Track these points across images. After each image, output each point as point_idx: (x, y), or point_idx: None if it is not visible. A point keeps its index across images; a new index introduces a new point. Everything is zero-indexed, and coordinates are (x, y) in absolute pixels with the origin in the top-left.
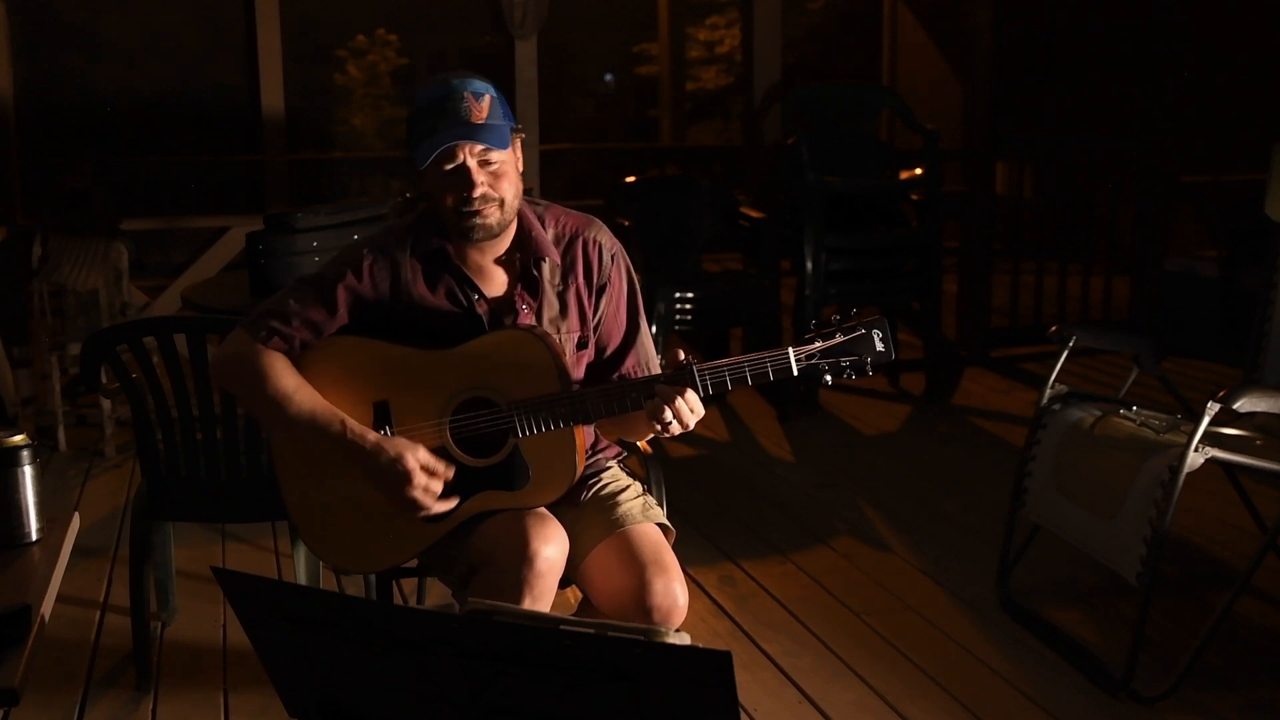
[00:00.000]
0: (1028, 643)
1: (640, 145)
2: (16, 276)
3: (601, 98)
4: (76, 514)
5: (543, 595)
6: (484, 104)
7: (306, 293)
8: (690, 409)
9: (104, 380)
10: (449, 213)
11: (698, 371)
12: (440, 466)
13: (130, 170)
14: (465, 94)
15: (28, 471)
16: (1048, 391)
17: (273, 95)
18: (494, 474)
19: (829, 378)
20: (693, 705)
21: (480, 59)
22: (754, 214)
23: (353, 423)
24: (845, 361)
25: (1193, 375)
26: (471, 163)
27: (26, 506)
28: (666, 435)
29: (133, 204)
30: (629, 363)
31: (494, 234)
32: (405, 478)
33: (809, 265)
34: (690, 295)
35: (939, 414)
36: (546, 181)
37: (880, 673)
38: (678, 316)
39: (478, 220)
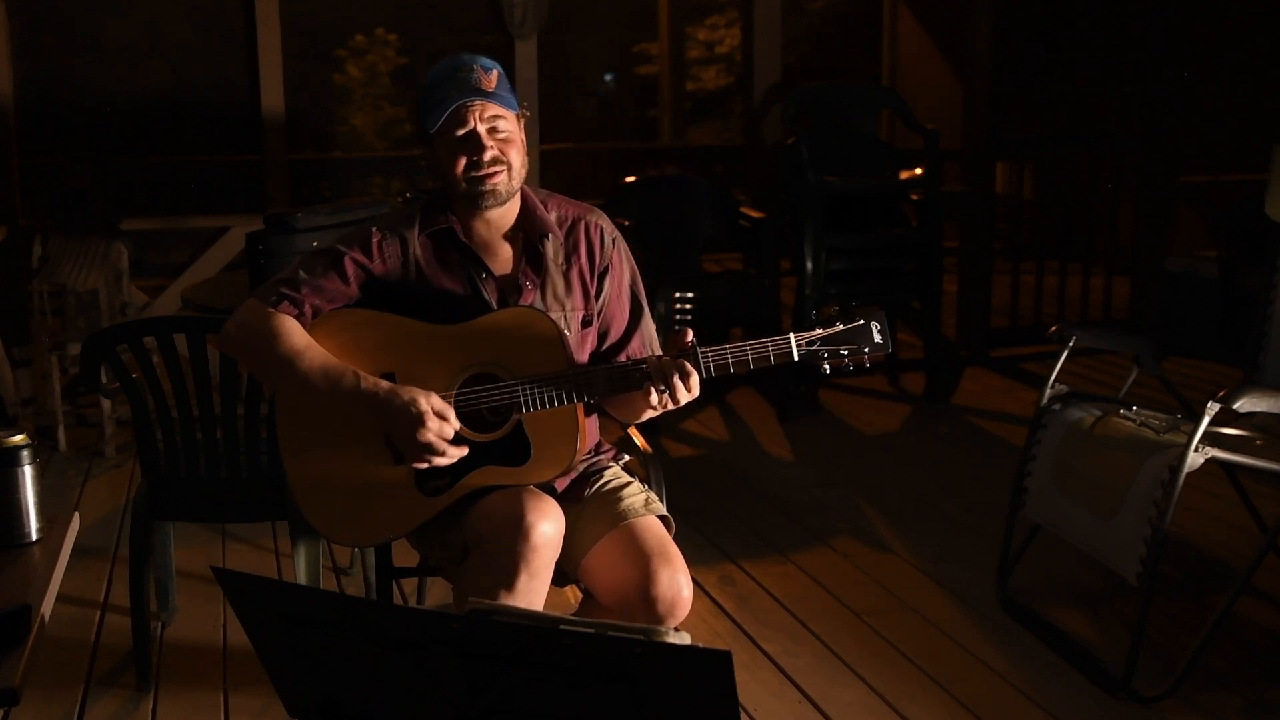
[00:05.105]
0: (1028, 643)
1: (640, 145)
2: (16, 276)
3: (601, 98)
4: (76, 514)
5: (539, 571)
6: (493, 75)
7: (317, 263)
8: (687, 387)
9: (104, 380)
10: (458, 179)
11: (701, 353)
12: (451, 412)
13: (130, 170)
14: (475, 66)
15: (28, 471)
16: (1048, 391)
17: (273, 95)
18: (496, 449)
19: (827, 366)
20: (693, 705)
21: None
22: (754, 214)
23: (364, 374)
24: (845, 351)
25: (1193, 375)
26: (481, 128)
27: (26, 506)
28: (660, 409)
29: (133, 204)
30: (634, 344)
31: (501, 201)
32: (419, 420)
33: (809, 265)
34: (690, 295)
35: (939, 414)
36: (547, 181)
37: (880, 673)
38: (677, 316)
39: (486, 186)
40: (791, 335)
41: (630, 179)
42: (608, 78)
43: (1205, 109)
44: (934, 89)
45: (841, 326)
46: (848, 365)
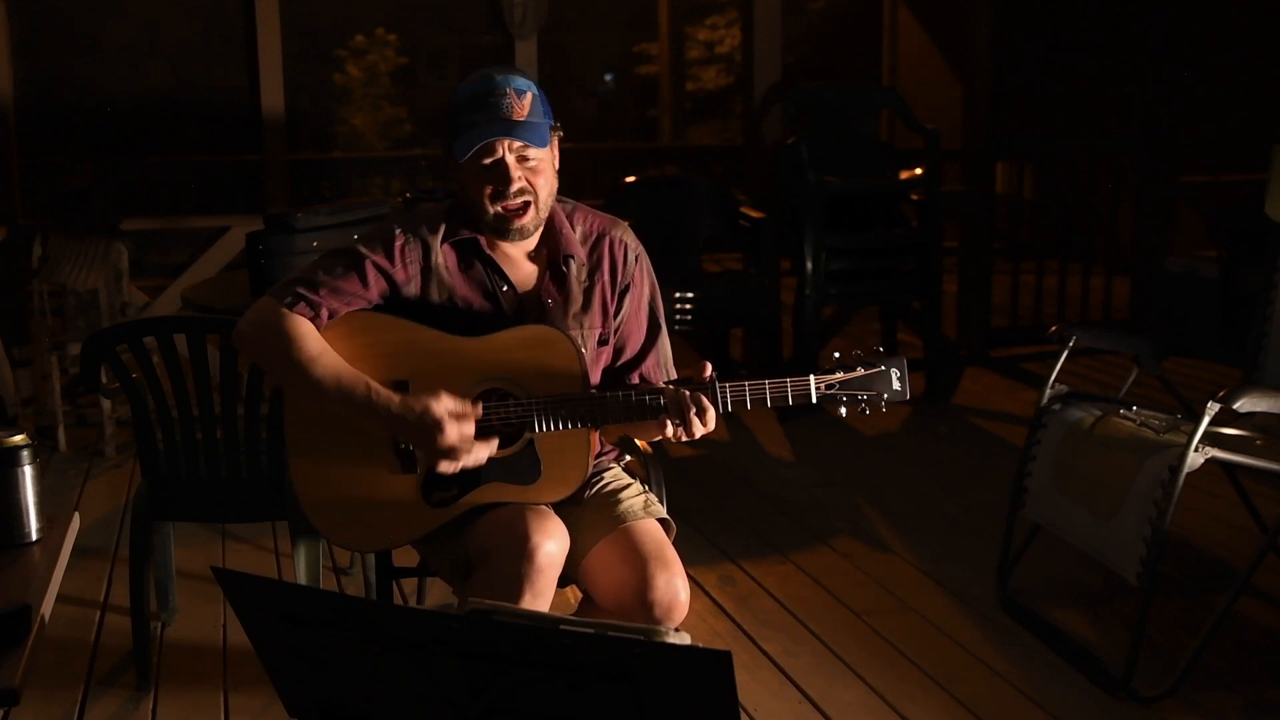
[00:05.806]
0: (1028, 643)
1: (640, 145)
2: (16, 276)
3: (601, 98)
4: (76, 514)
5: (543, 591)
6: (525, 101)
7: (335, 264)
8: (703, 422)
9: (104, 380)
10: (485, 207)
11: (720, 388)
12: (468, 408)
13: (130, 170)
14: (508, 90)
15: (28, 471)
16: (1048, 391)
17: (273, 95)
18: (506, 466)
19: (844, 410)
20: (693, 705)
21: (480, 59)
22: (754, 214)
23: (376, 384)
24: (862, 396)
25: (1193, 375)
26: (510, 158)
27: (26, 506)
28: (674, 440)
29: (133, 204)
30: (649, 363)
31: (527, 235)
32: (437, 426)
33: (809, 265)
34: (690, 295)
35: (939, 414)
36: None
37: (880, 673)
38: (678, 316)
39: (513, 225)
40: (811, 377)
41: (630, 179)
42: (608, 78)
43: (1205, 109)
44: (934, 89)
45: (863, 372)
46: (864, 410)
